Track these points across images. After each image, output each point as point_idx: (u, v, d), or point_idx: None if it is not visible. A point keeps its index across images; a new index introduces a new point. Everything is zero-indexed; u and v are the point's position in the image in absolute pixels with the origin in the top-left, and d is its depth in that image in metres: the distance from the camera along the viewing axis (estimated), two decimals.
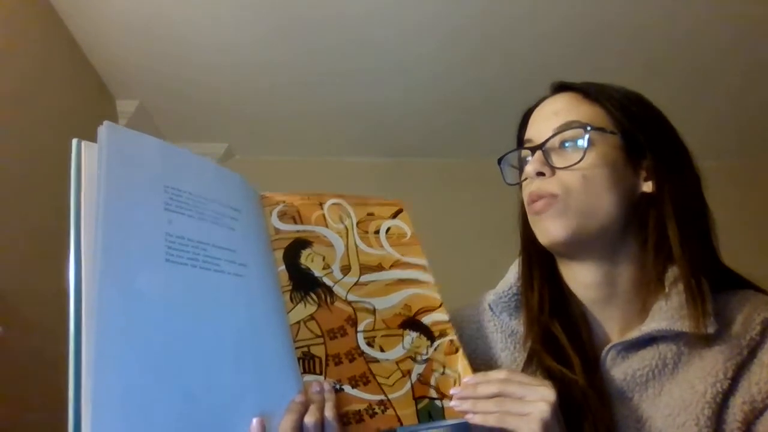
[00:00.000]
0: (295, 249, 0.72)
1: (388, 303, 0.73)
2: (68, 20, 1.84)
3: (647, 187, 0.71)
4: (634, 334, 0.68)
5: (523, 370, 0.72)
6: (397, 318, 0.72)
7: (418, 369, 0.69)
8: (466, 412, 0.64)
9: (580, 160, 0.69)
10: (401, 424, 0.64)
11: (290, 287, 0.68)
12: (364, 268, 0.74)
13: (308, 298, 0.68)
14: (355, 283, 0.73)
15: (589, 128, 0.70)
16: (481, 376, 0.65)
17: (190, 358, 0.54)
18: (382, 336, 0.69)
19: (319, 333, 0.66)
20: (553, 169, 0.70)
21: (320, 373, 0.64)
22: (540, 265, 0.77)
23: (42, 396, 1.81)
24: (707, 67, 1.98)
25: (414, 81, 2.07)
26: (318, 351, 0.65)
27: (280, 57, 1.95)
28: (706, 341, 0.65)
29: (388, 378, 0.67)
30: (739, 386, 0.64)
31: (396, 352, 0.69)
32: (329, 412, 0.59)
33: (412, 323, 0.72)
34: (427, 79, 2.07)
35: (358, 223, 0.78)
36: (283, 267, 0.70)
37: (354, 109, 2.23)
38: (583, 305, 0.74)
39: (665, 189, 0.70)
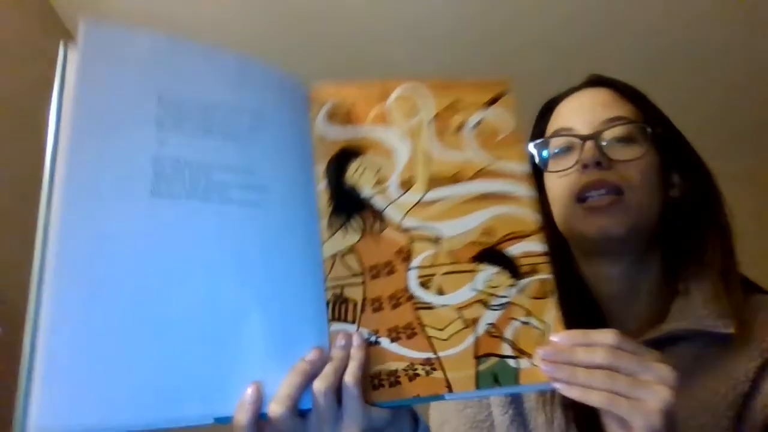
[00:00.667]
0: (341, 161, 0.57)
1: (461, 227, 0.56)
2: (68, 21, 1.81)
3: (673, 192, 0.74)
4: (654, 333, 0.67)
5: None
6: (470, 248, 0.56)
7: (489, 317, 0.54)
8: (556, 380, 0.50)
9: (642, 156, 0.69)
10: (450, 390, 0.51)
11: (330, 211, 0.55)
12: (434, 181, 0.58)
13: (350, 224, 0.55)
14: (418, 202, 0.57)
15: (644, 126, 0.71)
16: (580, 335, 0.52)
17: (178, 320, 0.45)
18: (444, 274, 0.55)
19: (359, 270, 0.54)
20: (611, 161, 0.69)
21: (352, 322, 0.52)
22: (557, 258, 0.70)
23: None
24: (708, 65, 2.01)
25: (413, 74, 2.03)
26: (353, 293, 0.53)
27: (278, 51, 1.89)
28: (726, 343, 0.65)
29: (442, 330, 0.53)
30: (760, 388, 0.64)
31: (461, 294, 0.54)
32: (350, 376, 0.48)
33: (492, 254, 0.56)
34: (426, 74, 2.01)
35: (435, 117, 0.60)
36: (323, 184, 0.56)
37: None
38: (603, 302, 0.73)
39: (696, 194, 0.72)
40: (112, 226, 0.44)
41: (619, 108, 0.72)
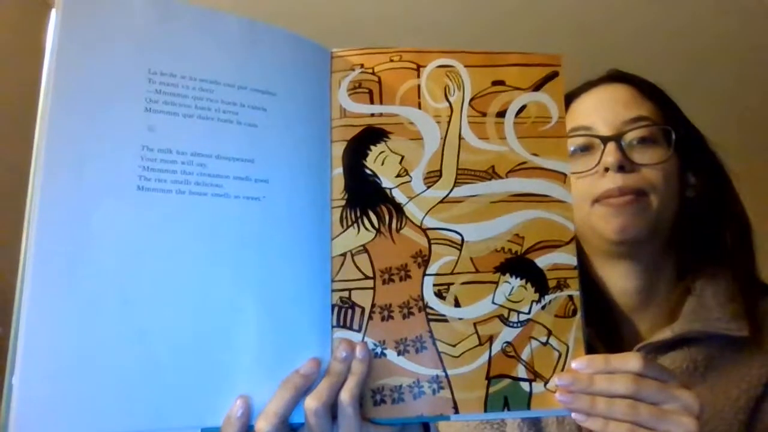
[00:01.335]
0: (362, 143, 0.50)
1: (489, 232, 0.50)
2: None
3: (689, 192, 0.72)
4: (666, 334, 0.65)
5: None
6: (495, 256, 0.50)
7: (507, 334, 0.49)
8: (574, 411, 0.47)
9: (663, 159, 0.67)
10: (456, 411, 0.47)
11: (343, 202, 0.49)
12: (464, 174, 0.51)
13: (364, 219, 0.49)
14: (443, 199, 0.50)
15: (666, 128, 0.68)
16: (602, 361, 0.48)
17: (164, 326, 0.42)
18: (463, 283, 0.49)
19: (370, 273, 0.49)
20: (634, 165, 0.66)
21: (358, 330, 0.48)
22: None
23: None
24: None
25: None
26: (362, 298, 0.48)
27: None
28: (738, 345, 0.64)
29: (455, 346, 0.48)
30: None
31: (479, 307, 0.49)
32: (347, 393, 0.45)
33: (518, 264, 0.50)
34: None
35: (473, 99, 0.52)
36: (339, 170, 0.50)
37: None
38: (614, 304, 0.71)
39: (715, 192, 0.71)
40: (95, 224, 0.40)
41: (639, 107, 0.69)
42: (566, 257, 0.51)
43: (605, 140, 0.67)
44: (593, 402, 0.46)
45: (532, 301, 0.50)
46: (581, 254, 0.72)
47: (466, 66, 0.53)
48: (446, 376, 0.48)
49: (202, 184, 0.43)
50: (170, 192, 0.42)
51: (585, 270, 0.72)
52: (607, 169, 0.66)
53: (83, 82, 0.40)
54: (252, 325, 0.44)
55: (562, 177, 0.52)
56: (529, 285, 0.50)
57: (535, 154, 0.52)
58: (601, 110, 0.70)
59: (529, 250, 0.50)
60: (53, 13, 0.41)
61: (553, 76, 0.53)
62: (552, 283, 0.50)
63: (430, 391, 0.47)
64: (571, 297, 0.50)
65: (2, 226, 1.61)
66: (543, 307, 0.50)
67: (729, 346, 0.64)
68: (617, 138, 0.67)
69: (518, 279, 0.50)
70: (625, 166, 0.66)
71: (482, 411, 0.48)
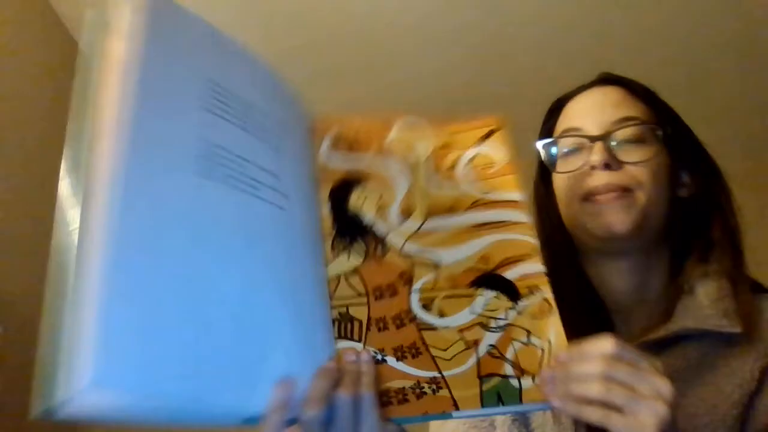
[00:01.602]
0: (344, 188, 0.59)
1: (459, 255, 0.57)
2: (69, 21, 1.81)
3: (682, 192, 0.73)
4: (660, 333, 0.66)
5: None
6: (468, 274, 0.56)
7: (490, 339, 0.54)
8: (554, 399, 0.50)
9: (651, 157, 0.68)
10: (457, 408, 0.51)
11: (333, 234, 0.57)
12: (432, 211, 0.59)
13: (353, 247, 0.56)
14: (417, 230, 0.58)
15: (655, 127, 0.70)
16: (576, 348, 0.51)
17: (216, 300, 0.43)
18: (444, 297, 0.55)
19: (363, 291, 0.55)
20: (620, 163, 0.68)
21: (358, 340, 0.53)
22: (564, 260, 0.73)
23: None
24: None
25: (410, 75, 2.01)
26: (359, 313, 0.54)
27: (276, 52, 1.92)
28: (731, 342, 0.64)
29: (445, 350, 0.53)
30: (765, 387, 0.63)
31: (461, 317, 0.55)
32: (366, 389, 0.48)
33: (489, 279, 0.56)
34: (425, 74, 2.01)
35: (432, 154, 0.62)
36: (327, 208, 0.57)
37: (353, 105, 2.19)
38: (609, 302, 0.72)
39: (707, 194, 0.72)
40: (165, 201, 0.42)
41: (629, 108, 0.71)
42: (533, 266, 0.57)
43: (593, 140, 0.69)
44: (568, 386, 0.48)
45: (507, 308, 0.55)
46: (576, 252, 0.74)
47: (424, 127, 0.63)
48: (443, 376, 0.52)
49: (243, 183, 0.48)
50: (220, 182, 0.46)
51: (579, 268, 0.74)
52: (594, 168, 0.68)
53: (160, 77, 0.44)
54: (284, 318, 0.47)
55: (515, 203, 0.59)
56: (501, 295, 0.56)
57: (486, 193, 0.60)
58: (591, 112, 0.72)
59: (497, 267, 0.57)
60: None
61: (498, 130, 0.63)
62: (524, 291, 0.56)
63: (430, 391, 0.51)
64: (545, 299, 0.55)
65: (2, 230, 1.66)
66: (519, 312, 0.55)
67: (722, 342, 0.64)
68: (604, 137, 0.68)
69: (491, 291, 0.56)
70: (611, 164, 0.67)
71: (479, 406, 0.52)
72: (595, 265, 0.73)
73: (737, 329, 0.63)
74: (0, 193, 1.53)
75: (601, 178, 0.68)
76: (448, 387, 0.52)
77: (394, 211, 0.58)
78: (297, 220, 0.52)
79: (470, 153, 0.62)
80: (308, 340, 0.49)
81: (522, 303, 0.56)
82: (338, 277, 0.55)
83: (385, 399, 0.51)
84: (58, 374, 0.34)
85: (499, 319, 0.55)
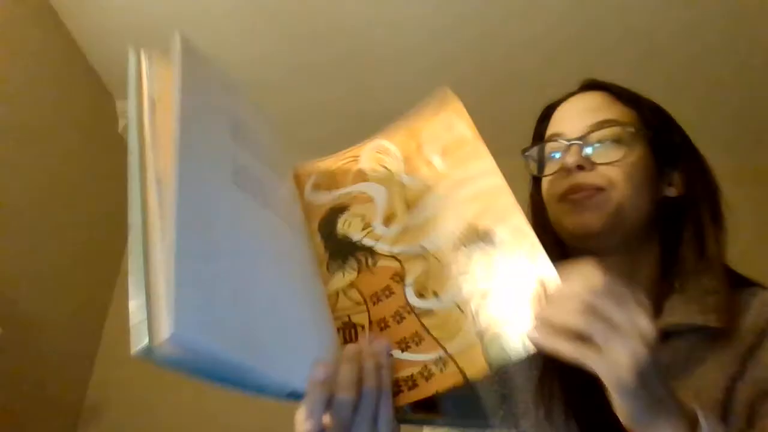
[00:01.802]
0: (330, 218, 0.64)
1: (442, 234, 0.59)
2: (68, 21, 1.85)
3: (670, 191, 0.74)
4: None
5: (541, 369, 0.70)
6: (455, 247, 0.58)
7: (482, 292, 0.54)
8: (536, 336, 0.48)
9: (624, 158, 0.70)
10: (465, 377, 0.51)
11: (326, 258, 0.62)
12: (412, 205, 0.62)
13: (346, 265, 0.61)
14: (402, 230, 0.61)
15: (630, 127, 0.72)
16: (564, 282, 0.50)
17: (260, 297, 0.49)
18: (434, 278, 0.57)
19: (361, 300, 0.58)
20: (594, 164, 0.70)
21: None
22: (552, 260, 0.76)
23: (42, 395, 1.81)
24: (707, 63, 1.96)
25: (407, 75, 2.02)
26: (360, 319, 0.57)
27: (285, 64, 1.96)
28: (719, 336, 0.65)
29: (445, 326, 0.54)
30: (746, 371, 0.64)
31: (454, 287, 0.56)
32: (386, 379, 0.51)
33: (474, 243, 0.57)
34: (422, 73, 2.00)
35: (404, 160, 0.66)
36: (318, 238, 0.63)
37: (353, 107, 2.21)
38: None
39: (697, 194, 0.73)
40: (213, 202, 0.49)
41: (609, 111, 0.73)
42: (516, 220, 0.56)
43: (570, 143, 0.72)
44: (549, 318, 0.48)
45: (493, 267, 0.55)
46: (566, 253, 0.75)
47: (388, 143, 0.67)
48: (447, 353, 0.53)
49: (264, 199, 0.57)
50: (248, 191, 0.54)
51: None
52: (569, 170, 0.70)
53: (199, 109, 0.53)
54: (308, 309, 0.54)
55: (485, 171, 0.60)
56: (487, 255, 0.56)
57: (456, 169, 0.62)
58: (572, 117, 0.75)
59: (482, 230, 0.57)
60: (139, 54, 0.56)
61: (450, 104, 0.65)
62: (508, 248, 0.55)
63: (438, 371, 0.53)
64: (533, 245, 0.54)
65: (2, 230, 1.56)
66: (505, 268, 0.55)
67: (710, 337, 0.65)
68: (579, 140, 0.71)
69: (478, 253, 0.57)
70: (584, 165, 0.70)
71: (486, 365, 0.51)
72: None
73: (723, 324, 0.64)
74: (0, 194, 1.57)
75: (574, 179, 0.70)
76: (454, 360, 0.53)
77: (378, 222, 0.62)
78: (298, 240, 0.61)
79: (437, 145, 0.65)
80: (323, 330, 0.55)
81: (506, 258, 0.55)
82: (336, 293, 0.59)
83: (395, 389, 0.52)
84: (150, 325, 0.40)
85: (489, 278, 0.55)
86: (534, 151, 0.78)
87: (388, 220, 0.62)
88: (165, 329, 0.39)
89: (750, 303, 0.69)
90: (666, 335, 0.66)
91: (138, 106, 0.51)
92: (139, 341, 0.39)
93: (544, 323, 0.48)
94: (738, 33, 1.81)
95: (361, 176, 0.66)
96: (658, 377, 0.47)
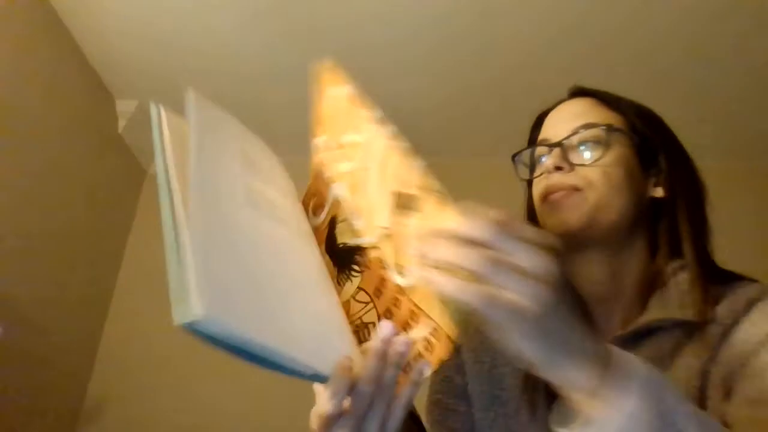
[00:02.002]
0: (330, 234, 0.68)
1: (383, 208, 0.60)
2: (68, 21, 1.86)
3: (657, 192, 0.76)
4: (632, 326, 0.69)
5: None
6: (393, 215, 0.59)
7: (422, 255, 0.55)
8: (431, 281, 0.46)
9: (601, 158, 0.72)
10: (452, 342, 0.52)
11: (336, 273, 0.65)
12: (358, 189, 0.65)
13: (351, 272, 0.64)
14: (366, 217, 0.63)
15: (609, 128, 0.74)
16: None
17: (284, 287, 0.55)
18: (399, 253, 0.58)
19: (368, 299, 0.61)
20: (572, 165, 0.73)
21: None
22: None
23: (42, 395, 1.82)
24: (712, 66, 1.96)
25: (412, 80, 2.07)
26: (370, 317, 0.60)
27: (280, 59, 1.98)
28: (701, 330, 0.67)
29: (424, 299, 0.54)
30: (720, 354, 0.66)
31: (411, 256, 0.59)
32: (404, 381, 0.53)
33: (406, 205, 0.57)
34: (426, 79, 2.06)
35: (334, 148, 0.71)
36: (327, 258, 0.67)
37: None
38: (588, 299, 0.75)
39: (679, 193, 0.74)
40: (227, 218, 0.56)
41: (593, 115, 0.76)
42: (414, 166, 0.58)
43: (551, 147, 0.75)
44: (439, 256, 0.45)
45: (419, 225, 0.55)
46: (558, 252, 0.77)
47: (317, 136, 0.73)
48: (436, 323, 0.53)
49: (277, 218, 0.63)
50: (260, 210, 0.61)
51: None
52: (550, 172, 0.74)
53: (212, 149, 0.61)
54: (328, 305, 0.60)
55: (374, 129, 0.63)
56: (411, 213, 0.57)
57: (364, 129, 0.64)
58: (558, 123, 0.78)
59: (405, 192, 0.58)
60: (159, 108, 0.63)
61: (327, 77, 0.69)
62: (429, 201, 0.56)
63: (436, 341, 0.53)
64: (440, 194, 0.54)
65: (2, 231, 1.60)
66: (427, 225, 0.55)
67: (693, 330, 0.67)
68: (560, 144, 0.74)
69: (404, 214, 0.57)
70: (562, 166, 0.73)
71: (454, 326, 0.52)
72: (572, 263, 0.76)
73: (699, 318, 0.67)
74: (0, 195, 1.58)
75: (551, 179, 0.74)
76: (441, 327, 0.53)
77: (355, 221, 0.65)
78: (309, 254, 0.66)
79: (339, 122, 0.69)
80: (346, 332, 0.60)
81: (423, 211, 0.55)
82: (348, 301, 0.63)
83: (407, 369, 0.54)
84: (185, 302, 0.44)
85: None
86: (525, 156, 0.81)
87: (357, 213, 0.65)
88: (198, 309, 0.43)
89: (731, 295, 0.70)
90: (651, 331, 0.69)
91: (162, 152, 0.57)
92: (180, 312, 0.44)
93: (429, 260, 0.45)
94: (718, 33, 1.83)
95: (329, 182, 0.70)
96: (562, 317, 0.44)
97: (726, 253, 0.76)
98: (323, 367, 0.51)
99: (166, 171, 0.55)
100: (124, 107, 2.18)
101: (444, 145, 2.43)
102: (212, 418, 1.94)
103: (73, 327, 1.93)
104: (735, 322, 0.67)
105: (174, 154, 0.57)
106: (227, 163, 0.62)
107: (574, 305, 0.46)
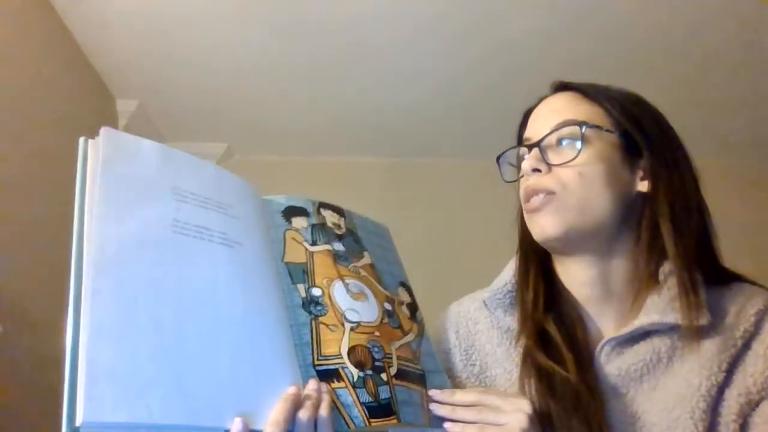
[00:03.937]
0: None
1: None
2: (68, 20, 1.86)
3: (643, 186, 0.72)
4: (628, 328, 0.68)
5: (520, 367, 0.72)
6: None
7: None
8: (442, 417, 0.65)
9: (575, 157, 0.69)
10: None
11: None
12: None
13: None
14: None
15: (584, 126, 0.70)
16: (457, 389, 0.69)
17: (189, 347, 0.54)
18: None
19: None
20: (549, 166, 0.70)
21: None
22: (536, 262, 0.77)
23: (41, 395, 1.82)
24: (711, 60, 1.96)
25: (415, 82, 2.08)
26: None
27: (280, 57, 1.97)
28: (700, 334, 0.66)
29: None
30: (734, 378, 0.65)
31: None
32: (324, 410, 0.56)
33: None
34: (429, 80, 2.07)
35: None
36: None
37: (355, 109, 2.22)
38: (578, 302, 0.74)
39: (660, 188, 0.70)
40: (138, 263, 0.56)
41: (572, 111, 0.72)
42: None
43: (530, 147, 0.73)
44: (454, 409, 0.66)
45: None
46: (546, 254, 0.76)
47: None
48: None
49: (200, 236, 0.62)
50: (190, 235, 0.61)
51: (549, 272, 0.77)
52: (528, 174, 0.72)
53: (122, 189, 0.60)
54: (247, 351, 0.58)
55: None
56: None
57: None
58: (537, 121, 0.75)
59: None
60: (87, 144, 0.62)
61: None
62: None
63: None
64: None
65: (2, 230, 1.59)
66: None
67: (690, 335, 0.65)
68: (537, 144, 0.72)
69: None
70: (539, 168, 0.71)
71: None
72: (561, 264, 0.76)
73: (703, 322, 0.65)
74: (0, 194, 1.58)
75: (530, 182, 0.72)
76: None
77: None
78: (250, 258, 0.65)
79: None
80: (272, 370, 0.59)
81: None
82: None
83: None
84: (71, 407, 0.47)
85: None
86: (510, 157, 0.79)
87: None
88: (79, 416, 0.46)
89: (733, 300, 0.69)
90: (645, 333, 0.68)
91: (81, 186, 0.58)
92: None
93: (453, 412, 0.66)
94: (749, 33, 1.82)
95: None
96: None
97: (725, 254, 0.74)
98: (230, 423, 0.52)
99: (81, 206, 0.56)
100: (124, 107, 2.19)
101: (444, 144, 2.43)
102: None
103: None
104: (746, 341, 0.66)
105: (90, 196, 0.57)
106: (148, 202, 0.60)
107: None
